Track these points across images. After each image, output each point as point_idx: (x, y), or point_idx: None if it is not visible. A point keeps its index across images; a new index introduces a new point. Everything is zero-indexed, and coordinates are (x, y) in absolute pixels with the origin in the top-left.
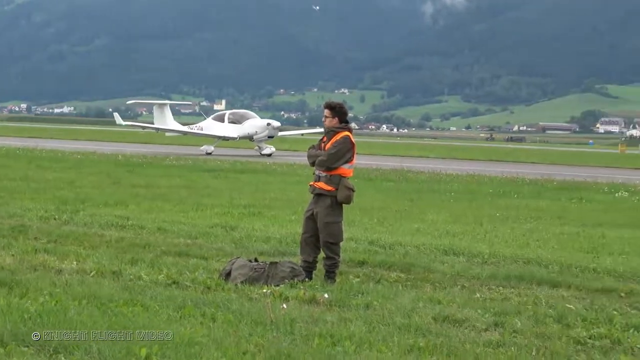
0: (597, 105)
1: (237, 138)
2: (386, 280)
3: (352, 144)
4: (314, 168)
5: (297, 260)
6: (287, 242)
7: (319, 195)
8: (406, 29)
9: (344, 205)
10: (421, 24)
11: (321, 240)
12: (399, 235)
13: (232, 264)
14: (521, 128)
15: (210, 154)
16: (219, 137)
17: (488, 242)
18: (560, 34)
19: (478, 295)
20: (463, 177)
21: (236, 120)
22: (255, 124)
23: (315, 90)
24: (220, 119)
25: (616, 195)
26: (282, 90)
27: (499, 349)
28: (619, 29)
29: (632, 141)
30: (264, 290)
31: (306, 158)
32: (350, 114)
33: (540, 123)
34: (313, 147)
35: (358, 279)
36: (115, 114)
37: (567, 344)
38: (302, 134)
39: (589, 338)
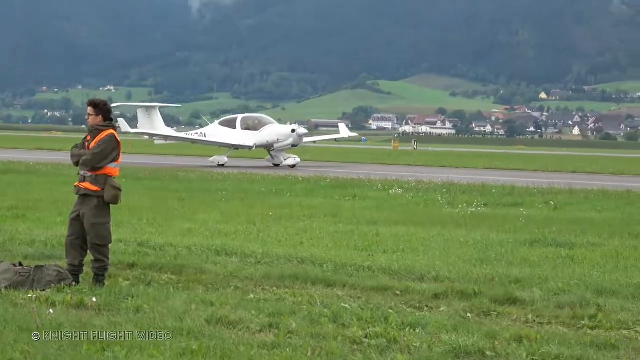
0: (369, 101)
1: (253, 147)
2: (157, 282)
3: (118, 142)
4: (79, 168)
5: (64, 263)
6: (53, 245)
7: (84, 195)
8: (173, 24)
9: (111, 205)
10: (188, 18)
11: (89, 242)
12: (170, 236)
13: None
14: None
15: (222, 165)
16: (231, 146)
17: (261, 242)
18: (330, 29)
19: (252, 296)
20: (235, 176)
21: (252, 127)
22: (276, 130)
23: (80, 87)
24: (231, 124)
25: (390, 192)
26: (45, 88)
27: (273, 350)
28: (391, 25)
29: (405, 137)
30: (30, 295)
31: (70, 157)
32: (116, 112)
33: (312, 120)
34: (76, 146)
35: (128, 282)
36: (122, 120)
37: (343, 343)
38: (336, 139)
39: (365, 337)
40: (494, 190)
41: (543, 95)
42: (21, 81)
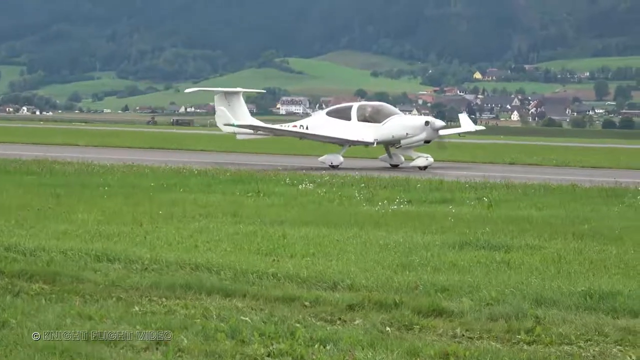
0: (277, 82)
1: (374, 143)
2: (27, 293)
3: None
4: None
5: None
6: None
7: None
8: None
9: None
10: None
11: None
12: (42, 239)
13: None
14: (189, 109)
15: (336, 166)
16: (347, 142)
17: (149, 245)
18: None
19: (137, 308)
20: (120, 168)
21: (371, 117)
22: (404, 122)
23: None
24: (343, 114)
25: (299, 187)
26: None
27: None
28: None
29: None
30: None
31: None
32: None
33: (211, 103)
34: None
35: None
36: (222, 109)
37: None
38: (460, 134)
39: (268, 355)
40: (419, 185)
41: (477, 75)
42: None
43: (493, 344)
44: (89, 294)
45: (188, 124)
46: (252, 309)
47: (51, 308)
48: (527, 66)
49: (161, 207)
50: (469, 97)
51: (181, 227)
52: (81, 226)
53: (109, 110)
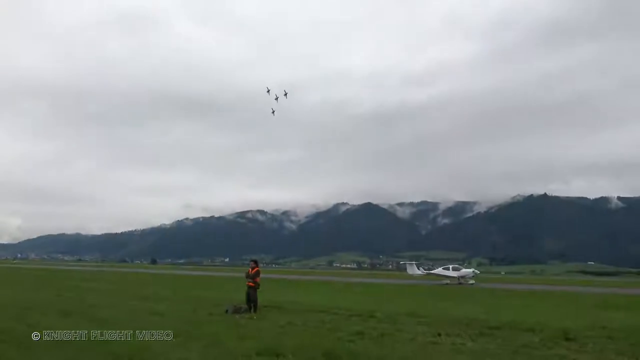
0: None
1: (457, 278)
2: None
3: (259, 271)
4: (247, 279)
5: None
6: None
7: (250, 286)
8: None
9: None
10: None
11: (251, 300)
12: None
13: None
14: None
15: (447, 284)
16: (451, 277)
17: None
18: None
19: None
20: None
21: (455, 269)
22: (468, 272)
23: None
24: (447, 269)
25: None
26: None
27: None
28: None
29: None
30: None
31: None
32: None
33: None
34: (246, 272)
35: None
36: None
37: None
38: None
39: None
40: None
41: None
42: None
43: None
44: None
45: None
46: None
47: None
48: None
49: None
50: None
51: None
52: None
53: None
